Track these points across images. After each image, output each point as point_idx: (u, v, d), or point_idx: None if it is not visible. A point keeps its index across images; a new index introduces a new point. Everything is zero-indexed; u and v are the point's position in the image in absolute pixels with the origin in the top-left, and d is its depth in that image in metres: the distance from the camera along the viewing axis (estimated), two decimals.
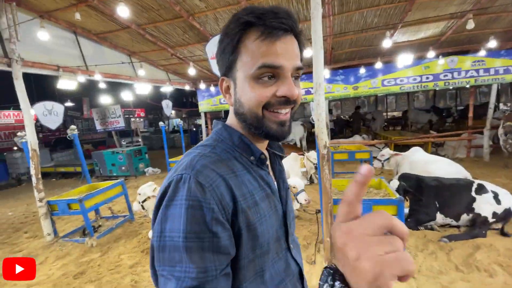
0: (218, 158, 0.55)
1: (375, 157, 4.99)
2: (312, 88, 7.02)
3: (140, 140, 10.92)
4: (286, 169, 5.55)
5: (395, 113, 16.90)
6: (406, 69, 6.21)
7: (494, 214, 2.92)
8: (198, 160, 0.52)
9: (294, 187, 3.19)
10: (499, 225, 2.99)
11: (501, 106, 11.60)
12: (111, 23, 4.75)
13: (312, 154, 5.15)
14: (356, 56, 6.86)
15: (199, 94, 8.45)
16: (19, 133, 3.53)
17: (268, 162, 0.66)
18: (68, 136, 3.87)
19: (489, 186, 3.11)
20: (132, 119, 15.43)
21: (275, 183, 0.65)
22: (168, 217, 0.48)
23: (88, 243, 3.54)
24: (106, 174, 8.16)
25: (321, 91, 2.47)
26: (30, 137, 3.57)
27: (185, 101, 21.36)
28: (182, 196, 0.47)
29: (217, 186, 0.49)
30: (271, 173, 0.66)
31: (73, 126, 3.88)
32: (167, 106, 8.16)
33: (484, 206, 2.96)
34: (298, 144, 8.70)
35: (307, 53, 5.00)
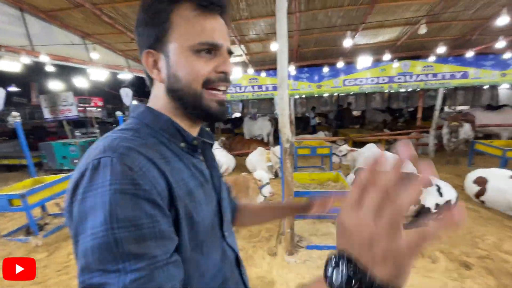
0: (144, 142, 0.47)
1: (334, 153, 5.27)
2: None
3: (97, 131, 10.12)
4: (253, 163, 5.62)
5: (355, 112, 17.99)
6: (365, 70, 6.63)
7: (437, 206, 3.27)
8: (120, 142, 0.44)
9: (259, 181, 3.24)
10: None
11: (446, 108, 12.97)
12: (62, 0, 4.27)
13: (278, 149, 5.26)
14: (321, 55, 7.12)
15: None
16: None
17: (199, 150, 0.62)
18: (9, 124, 3.43)
19: (433, 180, 3.47)
20: (89, 109, 14.23)
21: (208, 171, 0.62)
22: (87, 211, 0.38)
23: (33, 243, 3.22)
24: (56, 168, 7.43)
25: (284, 86, 2.51)
26: None
27: (148, 91, 20.23)
28: (104, 182, 0.39)
29: (147, 169, 0.42)
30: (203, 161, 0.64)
31: (15, 113, 3.45)
32: (126, 95, 7.65)
33: (428, 197, 3.30)
34: (266, 139, 8.82)
35: (273, 47, 5.09)
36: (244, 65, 7.31)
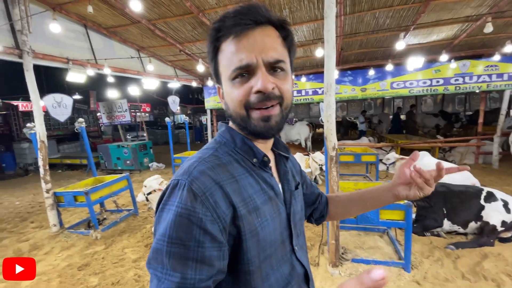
0: (218, 162, 0.54)
1: (380, 160, 4.94)
2: (319, 88, 7.01)
3: (145, 135, 10.98)
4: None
5: (402, 116, 16.79)
6: (416, 72, 6.13)
7: (503, 223, 2.86)
8: (197, 166, 0.51)
9: None
10: (508, 234, 2.94)
11: None
12: (121, 18, 4.76)
13: (318, 155, 5.12)
14: (366, 58, 6.79)
15: (206, 91, 8.46)
16: (28, 124, 3.56)
17: (272, 164, 0.65)
18: (76, 129, 3.90)
19: (498, 194, 3.05)
20: (138, 114, 15.55)
21: (279, 185, 0.64)
22: (160, 220, 0.49)
23: (93, 236, 3.57)
24: (111, 168, 8.23)
25: (331, 92, 2.44)
26: (39, 129, 3.60)
27: (191, 98, 21.42)
28: (173, 202, 0.48)
29: (211, 194, 0.48)
30: (275, 174, 0.65)
31: (81, 119, 3.90)
32: (173, 102, 8.17)
33: (493, 214, 2.90)
34: (303, 144, 8.67)
35: (318, 52, 5.00)
36: None
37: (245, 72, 0.53)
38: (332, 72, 2.44)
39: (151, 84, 6.43)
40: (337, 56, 6.32)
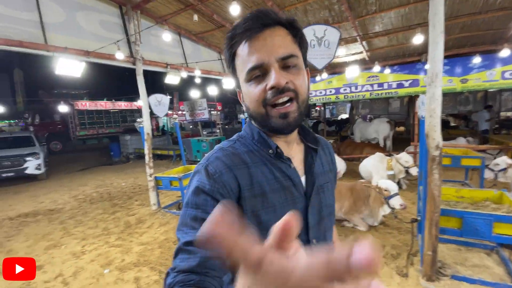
0: (233, 151, 0.63)
1: (486, 166, 4.11)
2: (406, 80, 6.27)
3: (218, 131, 11.90)
4: (369, 170, 5.14)
5: (509, 114, 13.60)
6: None
7: None
8: (214, 154, 0.62)
9: (385, 190, 2.92)
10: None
11: None
12: (208, 24, 5.25)
13: (404, 156, 4.60)
14: (468, 43, 5.71)
15: None
16: (138, 120, 4.30)
17: (299, 155, 0.68)
18: (162, 125, 4.51)
19: None
20: (212, 112, 16.98)
21: (303, 177, 0.65)
22: (186, 194, 0.60)
23: None
24: (192, 159, 9.24)
25: (437, 83, 2.16)
26: (146, 124, 4.30)
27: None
28: (194, 180, 0.59)
29: (221, 174, 0.58)
30: (300, 166, 0.67)
31: (175, 116, 4.49)
32: None
33: None
34: (381, 144, 7.91)
35: (417, 39, 4.46)
36: (363, 62, 6.80)
37: (259, 72, 0.56)
38: (439, 60, 2.16)
39: (230, 83, 6.92)
40: None
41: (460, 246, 2.95)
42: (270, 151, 0.62)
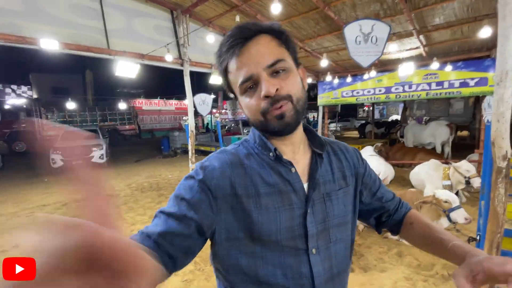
0: (234, 152, 0.66)
1: None
2: (471, 79, 5.56)
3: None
4: (421, 178, 4.65)
5: None
6: None
7: None
8: (215, 154, 0.66)
9: (445, 202, 2.62)
10: None
11: None
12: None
13: (464, 165, 4.05)
14: None
15: (320, 87, 8.30)
16: (184, 118, 4.60)
17: (304, 160, 0.67)
18: (206, 123, 4.71)
19: None
20: None
21: (306, 182, 0.64)
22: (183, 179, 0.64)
23: None
24: None
25: (507, 82, 1.83)
26: (190, 121, 4.57)
27: (313, 95, 21.81)
28: (193, 170, 0.64)
29: (213, 169, 0.61)
30: (305, 171, 0.66)
31: (217, 114, 4.67)
32: None
33: None
34: (438, 150, 7.09)
35: (484, 32, 3.90)
36: (420, 58, 6.15)
37: (251, 84, 0.58)
38: (510, 56, 1.84)
39: None
40: None
41: None
42: (271, 154, 0.63)
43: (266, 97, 0.57)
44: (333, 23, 5.02)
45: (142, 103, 23.65)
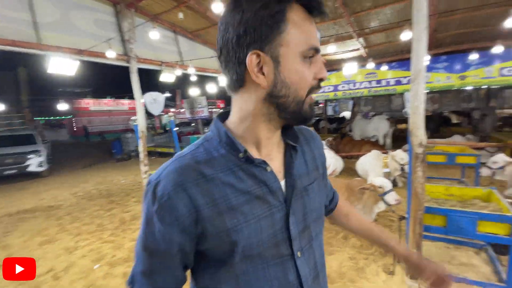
0: (191, 162, 0.52)
1: (483, 164, 4.06)
2: (404, 77, 6.25)
3: None
4: (365, 168, 5.12)
5: None
6: None
7: None
8: (168, 166, 0.53)
9: (380, 187, 2.93)
10: None
11: None
12: (203, 21, 5.26)
13: (399, 154, 4.57)
14: (466, 39, 5.62)
15: None
16: (132, 118, 4.35)
17: (279, 156, 0.60)
18: (165, 124, 4.56)
19: None
20: (214, 110, 17.04)
21: (283, 179, 0.57)
22: (142, 216, 0.55)
23: None
24: None
25: (420, 80, 2.14)
26: (140, 121, 4.35)
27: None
28: (145, 201, 0.53)
29: (169, 197, 0.49)
30: (278, 168, 0.58)
31: (170, 113, 4.53)
32: None
33: None
34: (381, 141, 7.86)
35: (404, 36, 4.42)
36: (361, 59, 6.74)
37: (312, 55, 0.50)
38: (421, 57, 2.14)
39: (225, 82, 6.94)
40: (429, 39, 5.43)
41: (449, 244, 2.94)
42: (240, 154, 0.52)
43: (320, 80, 0.52)
44: None
45: (90, 103, 21.62)
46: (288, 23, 0.47)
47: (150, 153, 10.68)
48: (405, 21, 4.33)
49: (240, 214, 0.51)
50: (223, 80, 5.68)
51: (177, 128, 15.21)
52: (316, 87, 0.52)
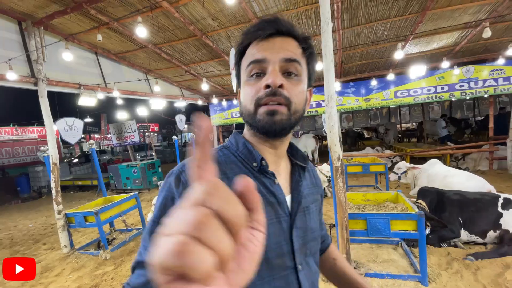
0: (214, 160, 0.56)
1: (390, 170, 4.87)
2: (323, 101, 7.07)
3: (154, 154, 11.17)
4: None
5: (409, 125, 16.56)
6: (419, 80, 6.14)
7: None
8: (190, 161, 0.56)
9: None
10: None
11: None
12: (129, 44, 5.01)
13: (325, 167, 5.08)
14: (367, 68, 6.86)
15: (211, 109, 8.64)
16: (42, 148, 3.70)
17: (285, 173, 0.64)
18: (86, 151, 4.02)
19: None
20: (147, 134, 15.92)
21: (288, 195, 0.61)
22: (156, 205, 0.55)
23: (102, 256, 3.58)
24: (120, 187, 8.33)
25: (332, 104, 2.47)
26: (52, 151, 3.73)
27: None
28: (164, 188, 0.55)
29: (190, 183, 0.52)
30: (286, 184, 0.63)
31: (91, 141, 4.03)
32: (180, 121, 8.36)
33: None
34: (310, 157, 8.62)
35: (318, 66, 5.10)
36: None
37: (259, 70, 0.55)
38: (332, 84, 2.49)
39: (159, 104, 6.64)
40: (338, 69, 6.41)
41: (372, 244, 3.32)
42: (254, 164, 0.57)
43: (268, 86, 0.53)
44: (213, 51, 5.39)
45: None
46: (242, 62, 0.59)
47: (67, 188, 9.20)
48: (318, 54, 5.04)
49: None
50: (154, 103, 5.43)
51: (106, 156, 13.53)
52: (266, 96, 0.53)
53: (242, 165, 0.59)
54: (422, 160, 6.76)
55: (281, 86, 0.53)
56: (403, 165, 4.75)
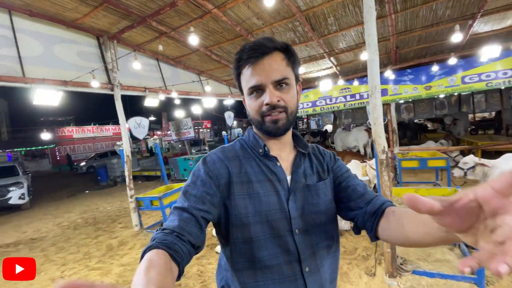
0: (231, 148, 0.81)
1: (457, 166, 4.37)
2: None
3: (206, 148, 12.03)
4: None
5: (486, 114, 14.26)
6: (493, 62, 5.29)
7: None
8: (215, 150, 0.81)
9: None
10: None
11: None
12: (184, 48, 5.55)
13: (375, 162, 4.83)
14: (428, 53, 6.18)
15: None
16: (118, 143, 4.44)
17: (289, 158, 0.81)
18: (151, 147, 4.67)
19: None
20: (201, 130, 17.18)
21: (289, 175, 0.77)
22: (190, 175, 0.77)
23: None
24: (179, 178, 9.28)
25: (377, 94, 2.40)
26: (125, 146, 4.43)
27: (245, 112, 22.65)
28: (195, 168, 0.77)
29: (214, 162, 0.75)
30: (286, 166, 0.79)
31: (155, 137, 4.65)
32: (229, 117, 8.84)
33: None
34: (362, 151, 8.20)
35: (363, 56, 4.85)
36: (335, 76, 7.19)
37: (258, 89, 0.72)
38: (376, 75, 2.41)
39: (210, 102, 7.17)
40: (393, 55, 5.94)
41: None
42: (260, 150, 0.77)
43: (267, 104, 0.70)
44: None
45: (73, 131, 21.27)
46: (241, 78, 0.76)
47: (135, 178, 10.59)
48: (363, 43, 4.78)
49: (254, 187, 0.73)
50: (206, 102, 5.89)
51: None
52: (268, 110, 0.71)
53: (251, 151, 0.79)
54: (498, 155, 5.86)
55: (278, 101, 0.70)
56: (470, 159, 4.21)
